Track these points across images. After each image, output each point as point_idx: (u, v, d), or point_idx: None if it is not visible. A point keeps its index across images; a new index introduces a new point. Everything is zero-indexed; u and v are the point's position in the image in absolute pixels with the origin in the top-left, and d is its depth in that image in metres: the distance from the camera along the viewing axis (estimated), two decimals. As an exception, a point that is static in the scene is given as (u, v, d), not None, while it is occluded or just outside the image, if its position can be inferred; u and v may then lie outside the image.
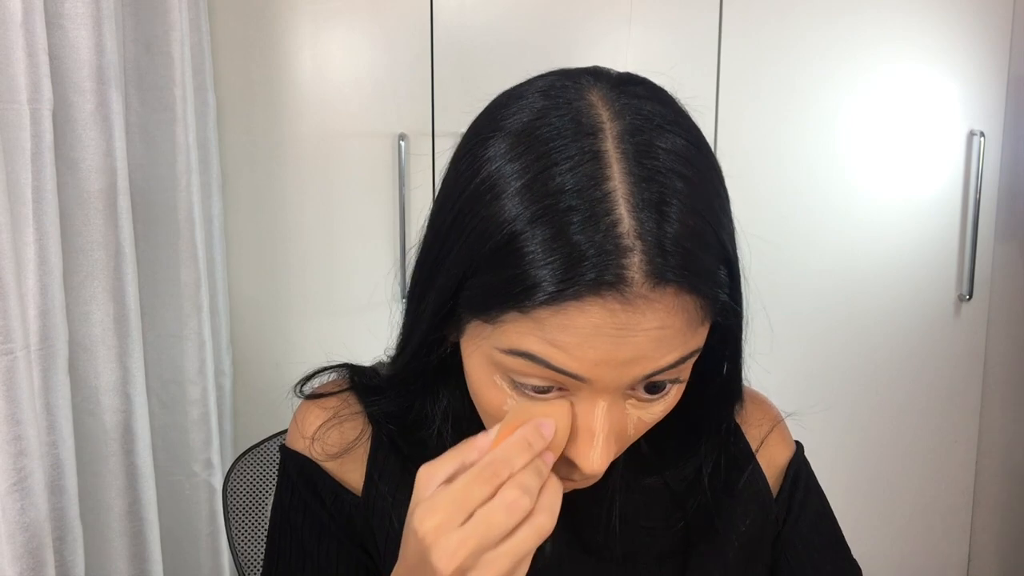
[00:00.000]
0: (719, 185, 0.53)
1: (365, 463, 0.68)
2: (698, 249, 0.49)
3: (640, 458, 0.66)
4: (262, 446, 1.09)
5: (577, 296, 0.47)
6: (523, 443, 0.50)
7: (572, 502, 0.64)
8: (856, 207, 1.82)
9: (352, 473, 0.68)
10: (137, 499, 1.33)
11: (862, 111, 1.79)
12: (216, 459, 1.56)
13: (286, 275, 1.74)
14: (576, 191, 0.48)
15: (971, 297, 1.86)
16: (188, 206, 1.45)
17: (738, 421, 0.71)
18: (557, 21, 1.70)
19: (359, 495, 0.67)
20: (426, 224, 0.58)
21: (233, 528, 1.06)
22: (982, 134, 1.80)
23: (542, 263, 0.47)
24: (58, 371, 1.15)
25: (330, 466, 0.68)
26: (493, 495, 0.48)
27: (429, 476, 0.50)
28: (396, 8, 1.67)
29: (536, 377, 0.51)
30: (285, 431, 1.08)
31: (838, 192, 1.81)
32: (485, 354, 0.53)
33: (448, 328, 0.56)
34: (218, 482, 1.55)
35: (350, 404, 0.69)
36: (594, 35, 1.71)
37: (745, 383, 0.66)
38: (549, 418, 0.51)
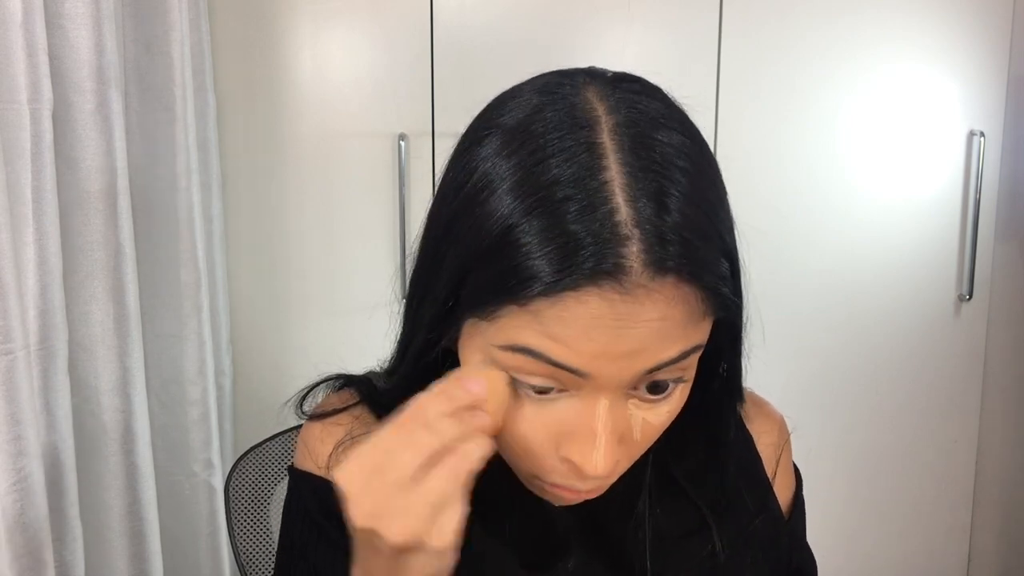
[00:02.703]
0: (717, 180, 0.53)
1: None
2: (698, 239, 0.48)
3: (667, 475, 0.65)
4: (263, 446, 1.09)
5: (575, 286, 0.46)
6: (442, 393, 0.49)
7: (601, 522, 0.63)
8: (856, 207, 1.82)
9: None
10: (137, 499, 1.33)
11: (862, 111, 1.79)
12: (216, 459, 1.56)
13: (286, 275, 1.74)
14: (572, 182, 0.47)
15: (971, 297, 1.86)
16: (188, 206, 1.45)
17: (748, 429, 0.71)
18: (557, 21, 1.70)
19: None
20: (423, 226, 0.57)
21: (235, 528, 1.06)
22: (982, 134, 1.80)
23: (538, 254, 0.46)
24: (58, 371, 1.15)
25: None
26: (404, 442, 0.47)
27: (363, 440, 0.50)
28: (396, 8, 1.67)
29: (536, 375, 0.50)
30: (286, 431, 1.09)
31: (838, 192, 1.81)
32: (483, 353, 0.52)
33: (447, 330, 0.55)
34: (218, 482, 1.55)
35: (363, 421, 0.67)
36: (594, 35, 1.71)
37: (748, 386, 0.66)
38: (479, 378, 0.50)
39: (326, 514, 0.64)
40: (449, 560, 0.48)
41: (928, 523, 1.98)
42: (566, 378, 0.50)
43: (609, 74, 0.54)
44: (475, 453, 0.48)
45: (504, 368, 0.51)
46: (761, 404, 0.74)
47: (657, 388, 0.52)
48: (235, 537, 1.06)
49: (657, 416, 0.53)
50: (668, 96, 0.54)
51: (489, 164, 0.50)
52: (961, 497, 1.98)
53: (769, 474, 0.71)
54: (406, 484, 0.46)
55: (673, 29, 1.74)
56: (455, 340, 0.55)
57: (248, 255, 1.72)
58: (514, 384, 0.51)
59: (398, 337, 0.64)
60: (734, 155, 1.74)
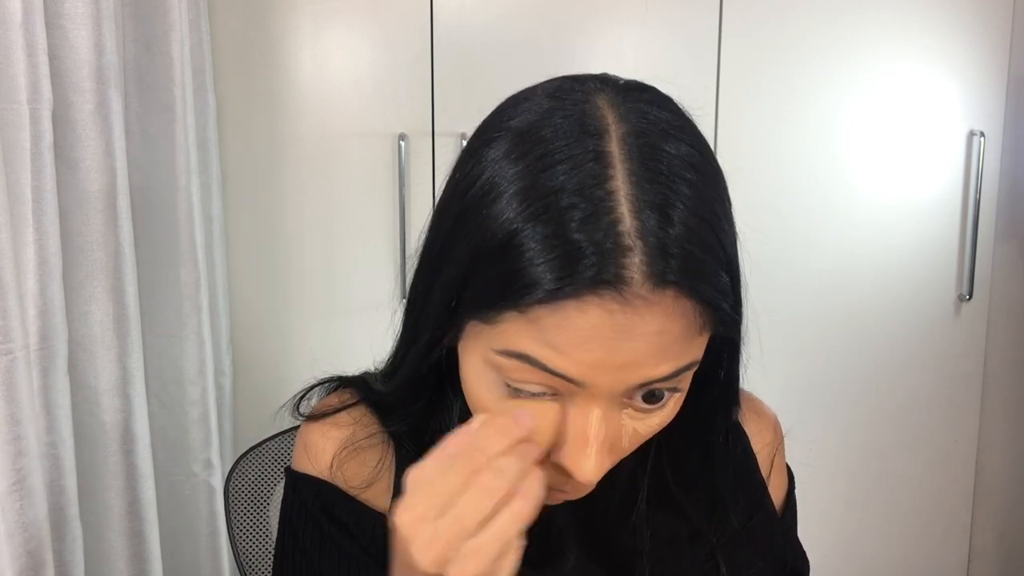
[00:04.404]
0: (723, 192, 0.53)
1: (391, 482, 0.65)
2: (700, 252, 0.48)
3: (664, 482, 0.65)
4: (263, 446, 1.09)
5: (576, 295, 0.46)
6: (498, 430, 0.49)
7: (600, 526, 0.64)
8: (856, 207, 1.82)
9: (380, 497, 0.65)
10: (137, 499, 1.33)
11: (862, 111, 1.79)
12: (216, 459, 1.56)
13: (286, 275, 1.74)
14: (577, 190, 0.47)
15: (971, 297, 1.86)
16: (188, 206, 1.45)
17: (745, 430, 0.71)
18: (557, 21, 1.70)
19: (386, 512, 0.64)
20: (428, 226, 0.57)
21: (235, 528, 1.06)
22: (982, 134, 1.80)
23: (541, 260, 0.46)
24: (58, 371, 1.15)
25: (354, 492, 0.65)
26: (469, 483, 0.47)
27: (414, 477, 0.49)
28: (396, 8, 1.67)
29: (531, 382, 0.50)
30: (286, 431, 1.09)
31: (838, 192, 1.81)
32: (482, 356, 0.52)
33: (449, 329, 0.55)
34: (218, 482, 1.55)
35: (363, 423, 0.67)
36: (594, 35, 1.71)
37: (745, 387, 0.66)
38: (527, 411, 0.50)
39: (329, 517, 0.64)
40: None
41: (928, 523, 1.98)
42: (561, 386, 0.50)
43: (621, 82, 0.54)
44: (536, 492, 0.48)
45: (501, 373, 0.51)
46: (755, 404, 0.75)
47: (652, 398, 0.52)
48: (235, 537, 1.06)
49: (648, 426, 0.54)
50: (679, 106, 0.54)
51: (496, 167, 0.50)
52: (961, 497, 1.98)
53: (764, 474, 0.71)
54: (474, 528, 0.46)
55: (673, 29, 1.74)
56: (456, 340, 0.55)
57: (248, 255, 1.72)
58: (509, 388, 0.52)
59: (398, 338, 0.63)
60: (734, 155, 1.74)
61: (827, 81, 1.77)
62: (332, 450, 0.65)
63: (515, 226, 0.48)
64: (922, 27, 1.77)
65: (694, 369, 0.52)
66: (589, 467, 0.50)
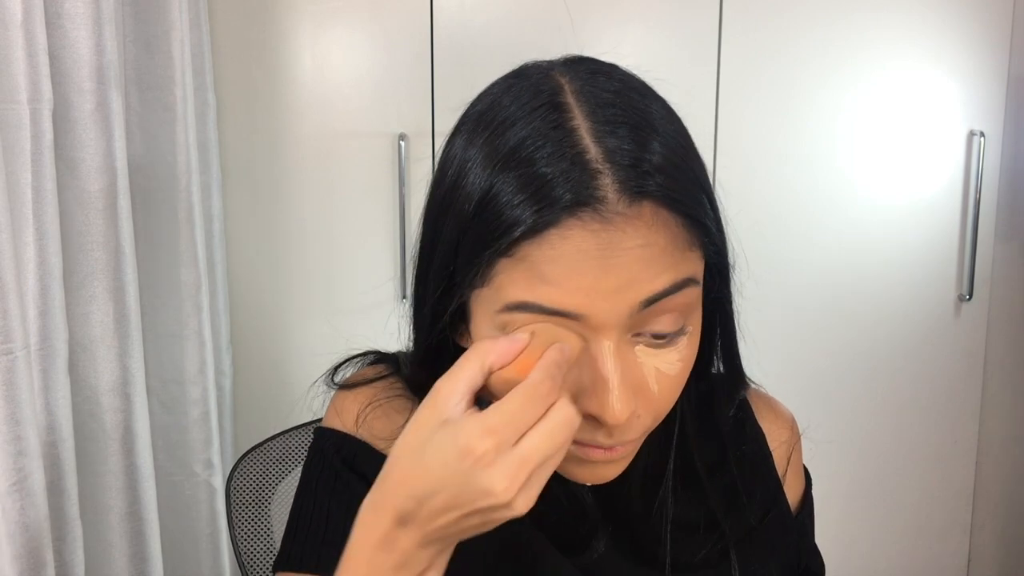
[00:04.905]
0: (687, 133, 0.55)
1: None
2: (671, 169, 0.50)
3: (688, 465, 0.66)
4: (264, 446, 1.09)
5: (556, 222, 0.48)
6: (556, 365, 0.49)
7: (624, 509, 0.64)
8: (856, 207, 1.82)
9: None
10: (137, 499, 1.33)
11: (862, 111, 1.79)
12: (216, 459, 1.55)
13: (286, 275, 1.74)
14: (538, 136, 0.50)
15: (971, 297, 1.86)
16: (188, 206, 1.45)
17: (760, 426, 0.71)
18: (557, 21, 1.70)
19: None
20: (420, 223, 0.60)
21: (236, 528, 1.06)
22: (982, 134, 1.80)
23: (516, 202, 0.49)
24: (58, 371, 1.15)
25: (381, 445, 0.66)
26: (541, 416, 0.47)
27: (451, 391, 0.49)
28: (396, 8, 1.67)
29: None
30: (287, 431, 1.09)
31: (838, 192, 1.81)
32: (489, 323, 0.53)
33: (452, 311, 0.56)
34: (218, 482, 1.55)
35: (393, 388, 0.68)
36: (594, 35, 1.71)
37: (758, 384, 0.66)
38: (564, 343, 0.50)
39: (350, 468, 0.65)
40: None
41: (928, 523, 1.98)
42: (568, 331, 0.50)
43: (566, 57, 0.58)
44: (575, 418, 0.48)
45: (507, 332, 0.52)
46: (772, 402, 0.75)
47: (661, 338, 0.52)
48: (236, 537, 1.06)
49: (669, 364, 0.54)
50: (622, 68, 0.57)
51: (463, 149, 0.54)
52: (961, 497, 1.98)
53: (780, 472, 0.72)
54: (539, 462, 0.47)
55: (673, 29, 1.74)
56: (466, 323, 0.56)
57: (248, 255, 1.72)
58: None
59: (412, 336, 0.65)
60: (734, 155, 1.74)
61: (827, 81, 1.77)
62: (358, 407, 0.67)
63: (487, 184, 0.50)
64: (922, 27, 1.77)
65: (695, 292, 0.53)
66: (615, 403, 0.50)
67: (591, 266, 0.48)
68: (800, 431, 0.75)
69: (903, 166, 1.81)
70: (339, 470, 0.65)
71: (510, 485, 0.46)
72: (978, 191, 1.81)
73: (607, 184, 0.48)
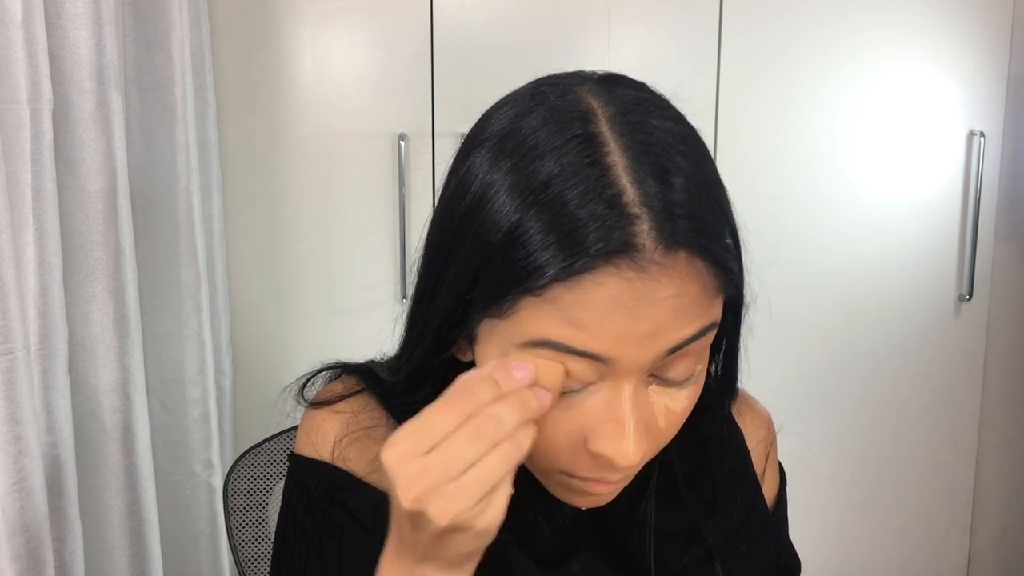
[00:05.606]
0: (712, 162, 0.54)
1: None
2: (705, 215, 0.49)
3: (668, 475, 0.65)
4: (263, 446, 1.09)
5: (591, 268, 0.47)
6: (488, 378, 0.48)
7: (607, 521, 0.64)
8: (856, 207, 1.82)
9: (384, 481, 0.66)
10: (137, 499, 1.33)
11: (862, 111, 1.79)
12: (216, 459, 1.56)
13: (286, 275, 1.74)
14: (571, 173, 0.48)
15: (971, 297, 1.86)
16: (188, 206, 1.45)
17: (739, 425, 0.71)
18: (557, 21, 1.70)
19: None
20: (428, 228, 0.58)
21: (234, 528, 1.06)
22: (982, 134, 1.79)
23: (549, 243, 0.47)
24: (58, 371, 1.15)
25: (361, 474, 0.65)
26: (459, 425, 0.47)
27: (409, 422, 0.49)
28: (396, 8, 1.67)
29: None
30: (286, 431, 1.09)
31: (838, 192, 1.81)
32: (502, 354, 0.51)
33: (457, 337, 0.55)
34: (218, 482, 1.55)
35: (367, 408, 0.66)
36: (594, 35, 1.71)
37: (744, 386, 0.66)
38: (528, 364, 0.49)
39: (331, 499, 0.64)
40: (488, 539, 0.48)
41: (928, 523, 1.97)
42: (587, 369, 0.50)
43: (597, 75, 0.56)
44: (527, 441, 0.48)
45: None
46: (749, 401, 0.75)
47: (675, 380, 0.52)
48: (234, 537, 1.06)
49: (678, 402, 0.53)
50: (652, 88, 0.56)
51: (485, 171, 0.51)
52: (961, 497, 1.98)
53: (759, 471, 0.72)
54: (460, 470, 0.46)
55: (673, 29, 1.74)
56: (471, 343, 0.55)
57: (248, 255, 1.72)
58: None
59: (404, 337, 0.63)
60: (734, 155, 1.74)
61: (827, 81, 1.77)
62: (334, 435, 0.65)
63: (516, 217, 0.48)
64: (922, 27, 1.77)
65: (713, 333, 0.52)
66: (628, 447, 0.50)
67: (623, 314, 0.47)
68: (778, 427, 0.76)
69: (903, 166, 1.81)
70: (323, 504, 0.64)
71: (407, 493, 0.46)
72: (978, 191, 1.81)
73: (644, 231, 0.47)
